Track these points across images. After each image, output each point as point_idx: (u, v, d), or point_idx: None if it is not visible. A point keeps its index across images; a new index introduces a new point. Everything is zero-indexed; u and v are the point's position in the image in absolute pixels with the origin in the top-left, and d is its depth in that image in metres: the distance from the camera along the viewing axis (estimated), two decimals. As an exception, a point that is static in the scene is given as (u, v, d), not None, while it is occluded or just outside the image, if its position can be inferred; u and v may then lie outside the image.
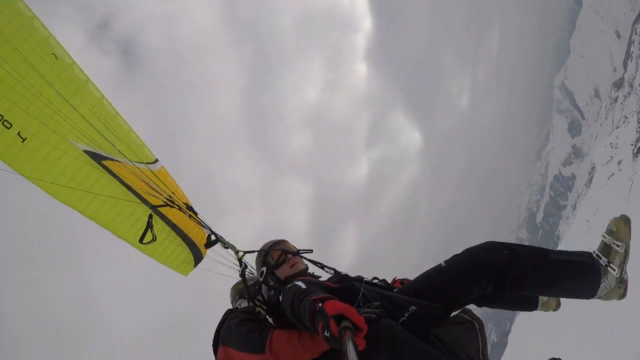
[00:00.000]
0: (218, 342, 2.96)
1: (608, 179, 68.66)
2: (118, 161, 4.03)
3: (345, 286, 2.64)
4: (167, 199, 4.17)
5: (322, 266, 3.18)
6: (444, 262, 2.48)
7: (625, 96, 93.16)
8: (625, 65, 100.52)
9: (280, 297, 2.66)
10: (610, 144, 75.63)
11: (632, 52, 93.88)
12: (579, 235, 64.50)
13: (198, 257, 4.96)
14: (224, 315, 3.14)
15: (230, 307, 3.68)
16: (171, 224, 4.51)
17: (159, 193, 4.13)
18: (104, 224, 4.21)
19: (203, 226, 4.16)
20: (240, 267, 3.54)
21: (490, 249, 2.37)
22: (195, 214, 4.20)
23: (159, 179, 4.24)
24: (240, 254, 3.57)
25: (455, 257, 2.46)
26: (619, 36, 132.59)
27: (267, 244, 3.26)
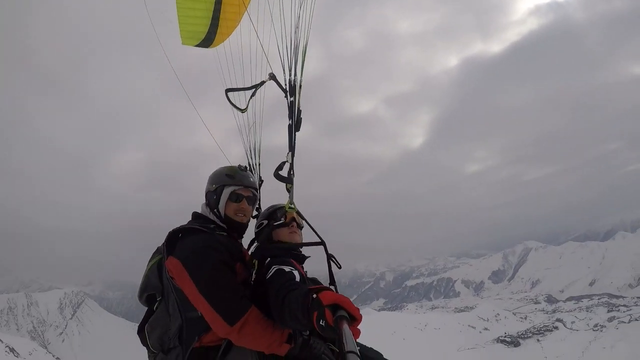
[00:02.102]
0: (175, 250, 2.65)
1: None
2: None
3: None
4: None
5: (329, 257, 2.92)
6: None
7: None
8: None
9: (271, 272, 2.52)
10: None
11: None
12: None
13: (206, 42, 4.55)
14: (200, 226, 2.76)
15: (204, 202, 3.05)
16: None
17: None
18: None
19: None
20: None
21: None
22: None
23: None
24: (289, 205, 3.09)
25: None
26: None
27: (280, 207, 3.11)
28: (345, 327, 1.55)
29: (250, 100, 3.17)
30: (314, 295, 1.86)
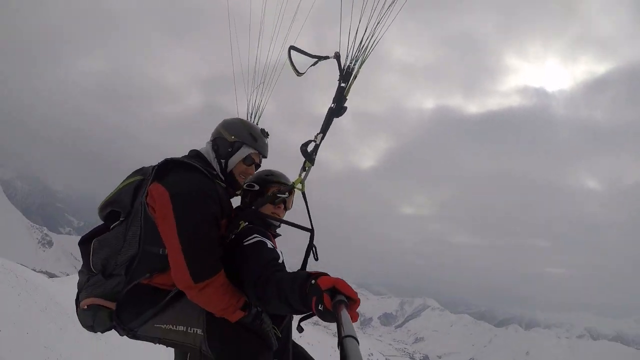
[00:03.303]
0: (166, 179, 2.44)
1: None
2: None
3: None
4: None
5: (311, 247, 2.73)
6: None
7: None
8: None
9: (251, 240, 2.45)
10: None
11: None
12: None
13: None
14: (202, 167, 2.54)
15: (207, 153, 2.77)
16: None
17: None
18: None
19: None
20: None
21: None
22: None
23: None
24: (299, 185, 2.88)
25: None
26: None
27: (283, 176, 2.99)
28: (344, 311, 1.53)
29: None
30: (313, 281, 1.82)
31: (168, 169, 2.51)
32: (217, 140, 2.79)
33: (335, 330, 1.45)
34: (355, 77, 2.70)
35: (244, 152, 2.77)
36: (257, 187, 2.92)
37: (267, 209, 2.88)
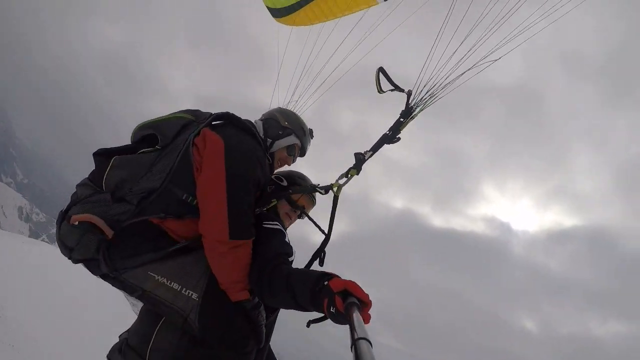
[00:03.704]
0: (222, 130, 2.35)
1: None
2: None
3: None
4: None
5: (321, 252, 2.65)
6: None
7: None
8: None
9: (273, 225, 2.40)
10: None
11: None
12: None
13: (281, 12, 4.42)
14: (253, 138, 2.44)
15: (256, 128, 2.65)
16: None
17: None
18: None
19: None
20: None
21: None
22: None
23: None
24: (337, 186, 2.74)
25: None
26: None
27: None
28: (356, 313, 1.52)
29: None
30: (325, 283, 1.80)
31: (226, 122, 2.45)
32: (269, 121, 2.81)
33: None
34: (412, 118, 2.86)
35: (292, 140, 2.81)
36: (285, 183, 2.83)
37: (281, 208, 2.78)
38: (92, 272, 2.24)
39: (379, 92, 2.94)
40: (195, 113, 2.46)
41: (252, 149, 2.37)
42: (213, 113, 2.45)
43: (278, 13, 4.52)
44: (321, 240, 2.65)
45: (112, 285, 2.29)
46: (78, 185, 2.31)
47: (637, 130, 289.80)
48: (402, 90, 2.92)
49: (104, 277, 2.25)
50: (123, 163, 2.26)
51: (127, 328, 2.53)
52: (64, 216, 2.21)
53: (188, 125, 2.38)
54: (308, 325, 2.36)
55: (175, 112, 2.44)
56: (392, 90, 2.95)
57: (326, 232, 2.69)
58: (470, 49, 2.80)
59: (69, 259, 2.23)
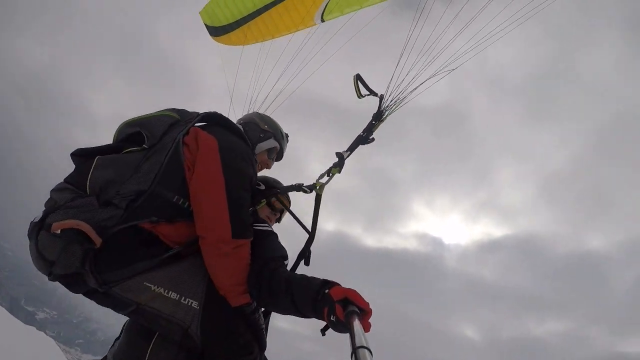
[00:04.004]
0: (213, 131, 2.28)
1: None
2: None
3: None
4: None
5: (305, 252, 2.67)
6: None
7: None
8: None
9: (266, 227, 2.40)
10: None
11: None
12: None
13: (220, 31, 4.43)
14: (244, 141, 2.41)
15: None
16: None
17: None
18: None
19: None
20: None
21: None
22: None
23: None
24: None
25: None
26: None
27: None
28: (356, 322, 1.53)
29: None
30: (326, 291, 1.79)
31: (214, 123, 2.38)
32: (249, 125, 2.79)
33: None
34: (382, 121, 3.10)
35: (272, 143, 2.82)
36: (262, 187, 2.79)
37: (262, 211, 2.78)
38: (73, 290, 2.00)
39: (358, 97, 3.14)
40: (180, 112, 2.39)
41: (245, 149, 2.35)
42: (200, 112, 2.39)
43: (215, 32, 4.54)
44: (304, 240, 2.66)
45: (98, 303, 2.08)
46: (54, 191, 2.07)
47: (556, 144, 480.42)
48: (376, 95, 3.15)
49: (89, 293, 2.02)
50: (107, 163, 2.09)
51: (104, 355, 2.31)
52: (41, 225, 1.93)
53: (175, 124, 2.29)
54: (323, 333, 2.17)
55: (162, 110, 2.36)
56: (368, 95, 3.17)
57: (310, 231, 2.69)
58: (407, 72, 3.13)
59: (49, 275, 1.95)
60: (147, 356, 2.06)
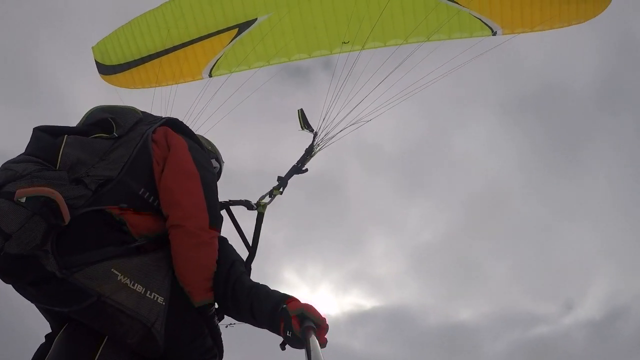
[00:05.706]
0: (182, 133, 2.35)
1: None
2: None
3: None
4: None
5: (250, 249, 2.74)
6: None
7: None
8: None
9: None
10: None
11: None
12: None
13: (111, 70, 4.57)
14: (196, 142, 2.44)
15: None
16: None
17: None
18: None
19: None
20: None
21: None
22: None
23: None
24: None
25: None
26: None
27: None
28: (313, 338, 1.52)
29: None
30: (284, 305, 1.77)
31: (178, 129, 2.38)
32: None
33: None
34: (312, 156, 3.63)
35: (214, 163, 2.87)
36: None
37: None
38: (18, 277, 1.71)
39: (301, 129, 3.66)
40: (143, 112, 2.40)
41: (206, 154, 2.47)
42: (163, 117, 2.45)
43: (105, 70, 4.48)
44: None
45: (38, 298, 1.84)
46: (11, 162, 1.85)
47: (427, 218, 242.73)
48: (311, 131, 3.67)
49: (38, 283, 1.69)
50: (77, 144, 1.98)
51: None
52: None
53: (139, 122, 2.27)
54: (282, 348, 1.95)
55: (128, 105, 2.39)
56: (305, 129, 3.68)
57: (252, 248, 2.73)
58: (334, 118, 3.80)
59: (0, 252, 1.60)
60: None
